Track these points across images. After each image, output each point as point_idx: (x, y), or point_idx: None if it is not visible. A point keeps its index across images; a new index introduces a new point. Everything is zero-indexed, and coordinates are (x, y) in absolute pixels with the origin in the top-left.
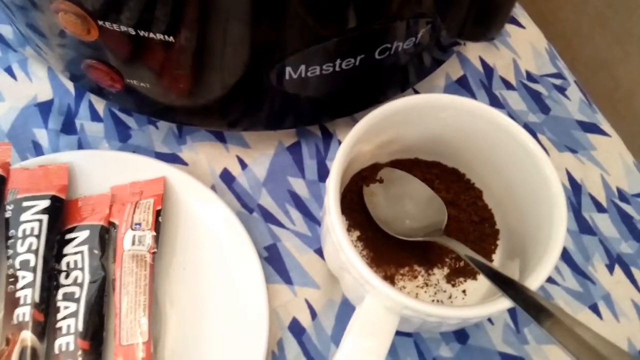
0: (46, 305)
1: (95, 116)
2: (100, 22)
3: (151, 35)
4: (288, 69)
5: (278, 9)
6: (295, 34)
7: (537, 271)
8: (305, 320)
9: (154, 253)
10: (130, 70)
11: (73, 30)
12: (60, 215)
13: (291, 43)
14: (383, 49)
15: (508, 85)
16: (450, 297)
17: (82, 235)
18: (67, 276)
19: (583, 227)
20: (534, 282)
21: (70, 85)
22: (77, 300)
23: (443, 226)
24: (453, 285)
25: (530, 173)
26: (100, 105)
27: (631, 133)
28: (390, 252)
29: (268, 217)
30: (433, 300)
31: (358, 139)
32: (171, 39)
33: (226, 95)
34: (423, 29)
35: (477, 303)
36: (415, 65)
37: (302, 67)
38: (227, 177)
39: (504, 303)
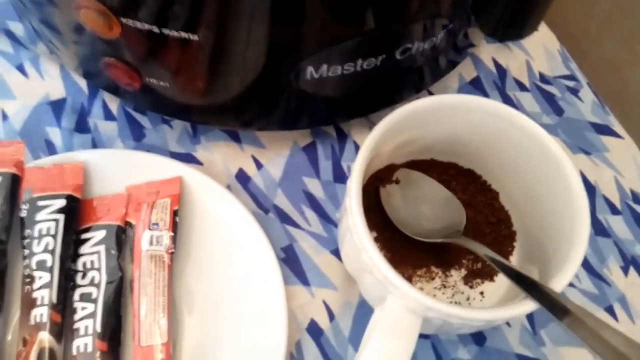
0: (63, 306)
1: (108, 115)
2: (123, 19)
3: (173, 32)
4: (310, 69)
5: (301, 8)
6: (320, 33)
7: (561, 273)
8: (323, 321)
9: (172, 253)
10: (149, 68)
11: (94, 27)
12: (76, 214)
13: (315, 42)
14: (404, 49)
15: (521, 87)
16: (468, 298)
17: (99, 235)
18: (83, 276)
19: (598, 229)
20: (558, 284)
21: (83, 84)
22: (95, 301)
23: (462, 228)
24: (471, 287)
25: (551, 175)
26: (113, 104)
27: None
28: (407, 253)
29: (284, 217)
30: (451, 302)
31: (380, 139)
32: (194, 36)
33: (244, 94)
34: (444, 30)
35: (496, 305)
36: (431, 66)
37: (324, 66)
38: (242, 177)
39: (529, 305)
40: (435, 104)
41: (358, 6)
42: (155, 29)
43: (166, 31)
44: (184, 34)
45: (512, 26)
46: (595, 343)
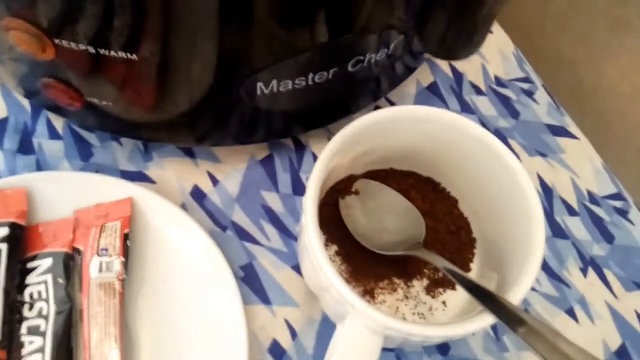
0: (9, 342)
1: (53, 134)
2: (57, 41)
3: (112, 53)
4: (259, 85)
5: (247, 23)
6: (267, 48)
7: (518, 284)
8: (285, 341)
9: (123, 280)
10: (90, 88)
11: (27, 49)
12: (21, 243)
13: (262, 57)
14: (356, 61)
15: (478, 91)
16: (430, 309)
17: (45, 263)
18: (30, 308)
19: (556, 231)
20: (515, 296)
21: (25, 102)
22: (43, 334)
23: (422, 240)
24: (433, 297)
25: (506, 184)
26: (58, 122)
27: (594, 130)
28: (368, 266)
29: (242, 234)
30: (413, 313)
31: (334, 154)
32: (134, 56)
33: (193, 111)
34: (395, 40)
35: (457, 316)
36: (388, 74)
37: (274, 82)
38: (197, 194)
39: (487, 319)
40: (389, 116)
41: (304, 21)
42: (92, 50)
43: (103, 51)
44: (122, 54)
45: (455, 45)
46: (550, 354)
